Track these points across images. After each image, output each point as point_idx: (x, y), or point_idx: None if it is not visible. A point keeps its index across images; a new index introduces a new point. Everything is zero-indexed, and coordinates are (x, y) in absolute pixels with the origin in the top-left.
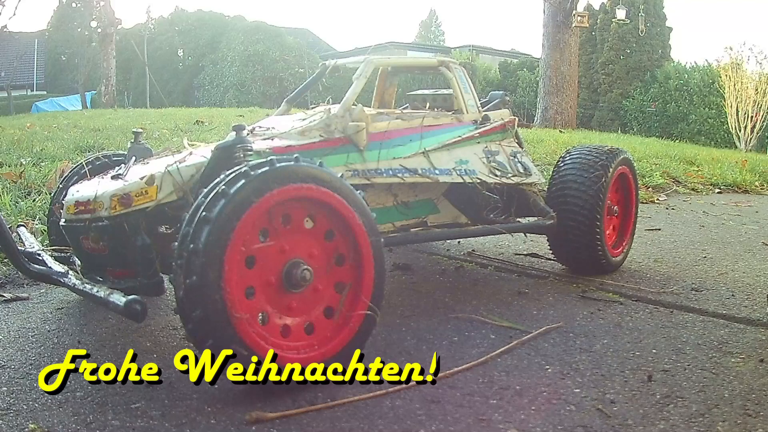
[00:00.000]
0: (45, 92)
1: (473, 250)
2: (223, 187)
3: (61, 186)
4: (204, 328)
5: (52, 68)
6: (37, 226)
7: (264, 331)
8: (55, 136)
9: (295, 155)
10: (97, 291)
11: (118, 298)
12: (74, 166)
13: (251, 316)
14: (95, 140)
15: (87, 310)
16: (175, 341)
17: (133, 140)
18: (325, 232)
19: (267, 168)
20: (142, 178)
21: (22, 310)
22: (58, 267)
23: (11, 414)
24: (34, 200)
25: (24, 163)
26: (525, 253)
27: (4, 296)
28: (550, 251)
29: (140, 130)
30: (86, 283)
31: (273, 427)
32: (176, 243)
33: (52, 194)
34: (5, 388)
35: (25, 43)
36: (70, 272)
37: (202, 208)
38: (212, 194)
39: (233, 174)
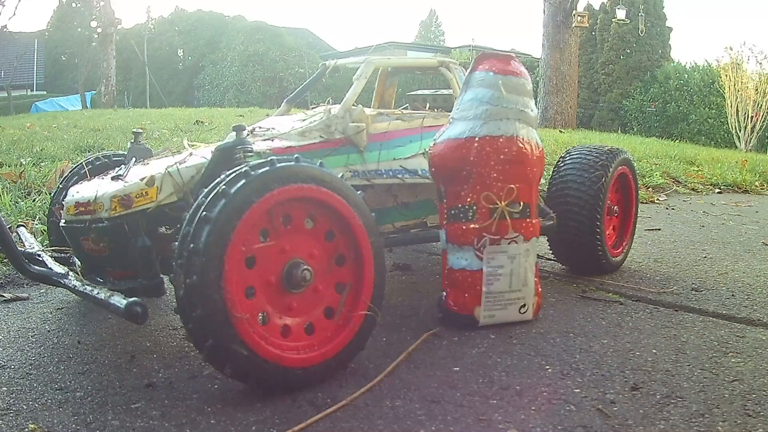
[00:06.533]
0: (45, 92)
1: None
2: (224, 186)
3: (61, 186)
4: (204, 328)
5: (52, 68)
6: (37, 227)
7: (264, 331)
8: (55, 136)
9: (296, 155)
10: (98, 293)
11: (119, 300)
12: (74, 166)
13: (251, 316)
14: (95, 140)
15: (87, 310)
16: (175, 341)
17: (133, 140)
18: (326, 232)
19: (267, 168)
20: (142, 179)
21: (22, 310)
22: (58, 268)
23: (11, 414)
24: (34, 200)
25: (24, 163)
26: None
27: (4, 296)
28: (550, 251)
29: (140, 131)
30: (86, 285)
31: (273, 427)
32: (176, 243)
33: (52, 194)
34: (5, 388)
35: (25, 43)
36: (70, 273)
37: (203, 207)
38: (213, 194)
39: (234, 174)
